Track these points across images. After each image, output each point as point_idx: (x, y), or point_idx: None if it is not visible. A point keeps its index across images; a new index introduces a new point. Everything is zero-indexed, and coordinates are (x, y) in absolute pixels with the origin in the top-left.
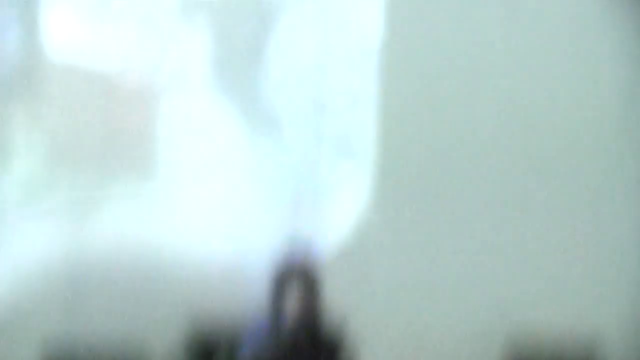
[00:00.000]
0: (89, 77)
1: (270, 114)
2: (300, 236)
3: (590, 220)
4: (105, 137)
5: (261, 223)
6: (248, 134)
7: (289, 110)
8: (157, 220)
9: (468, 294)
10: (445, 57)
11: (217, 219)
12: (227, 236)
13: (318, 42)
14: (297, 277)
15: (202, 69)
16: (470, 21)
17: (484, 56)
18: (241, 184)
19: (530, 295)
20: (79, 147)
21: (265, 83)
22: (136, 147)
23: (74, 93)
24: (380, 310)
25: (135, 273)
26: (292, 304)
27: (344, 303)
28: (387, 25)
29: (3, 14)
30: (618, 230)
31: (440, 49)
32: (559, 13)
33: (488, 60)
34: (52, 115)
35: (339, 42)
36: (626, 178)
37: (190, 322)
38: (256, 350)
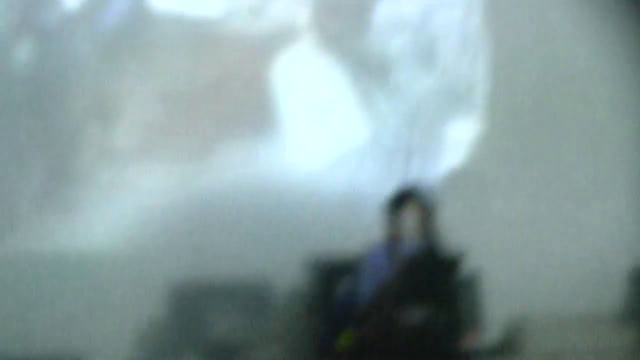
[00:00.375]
0: (197, 25)
1: (381, 60)
2: (414, 171)
3: None
4: (216, 82)
5: (376, 160)
6: (359, 80)
7: (398, 57)
8: (275, 159)
9: (584, 227)
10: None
11: (334, 157)
12: (344, 171)
13: None
14: (413, 201)
15: (309, 15)
16: None
17: None
18: (357, 123)
19: None
20: (192, 93)
21: (373, 31)
22: (247, 91)
23: (183, 41)
24: (497, 241)
25: (256, 210)
26: (409, 227)
27: (460, 232)
28: None
29: None
30: None
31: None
32: None
33: None
34: (163, 64)
35: None
36: None
37: (311, 253)
38: (376, 273)
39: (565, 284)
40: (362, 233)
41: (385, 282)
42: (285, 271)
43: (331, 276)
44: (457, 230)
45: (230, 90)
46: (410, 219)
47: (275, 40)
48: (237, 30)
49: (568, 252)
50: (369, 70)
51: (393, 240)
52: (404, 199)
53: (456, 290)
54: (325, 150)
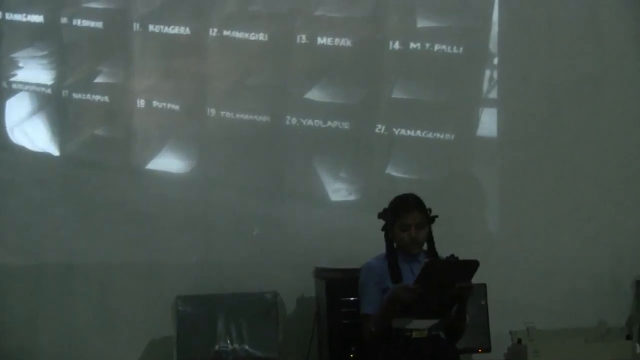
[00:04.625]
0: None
1: None
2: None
3: None
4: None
5: None
6: None
7: None
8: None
9: (594, 230)
10: None
11: None
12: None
13: None
14: (416, 209)
15: None
16: None
17: None
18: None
19: None
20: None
21: None
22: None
23: None
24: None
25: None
26: (412, 236)
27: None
28: None
29: None
30: None
31: None
32: None
33: None
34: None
35: None
36: None
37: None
38: (379, 282)
39: (568, 297)
40: (366, 244)
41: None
42: (293, 282)
43: (336, 287)
44: (458, 241)
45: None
46: (412, 227)
47: None
48: None
49: (571, 265)
50: None
51: (396, 250)
52: (406, 207)
53: (468, 297)
54: None
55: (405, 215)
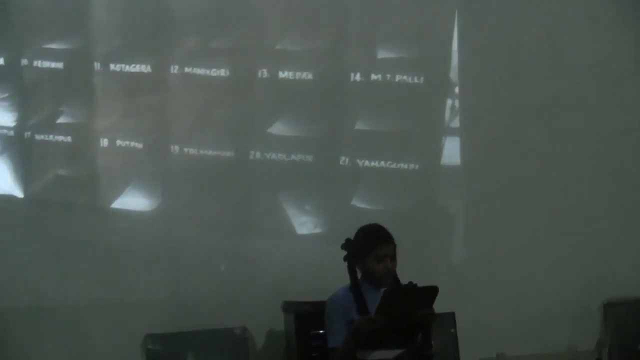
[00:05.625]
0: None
1: None
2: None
3: None
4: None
5: None
6: None
7: None
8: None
9: (563, 260)
10: None
11: None
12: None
13: None
14: (384, 241)
15: None
16: None
17: None
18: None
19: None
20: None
21: None
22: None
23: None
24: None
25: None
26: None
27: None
28: None
29: None
30: None
31: None
32: None
33: None
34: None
35: None
36: None
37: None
38: (345, 314)
39: (537, 323)
40: (334, 276)
41: (362, 318)
42: (262, 316)
43: (305, 320)
44: (425, 270)
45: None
46: (387, 258)
47: None
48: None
49: (539, 290)
50: None
51: (361, 280)
52: (382, 239)
53: (433, 322)
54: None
55: (382, 246)
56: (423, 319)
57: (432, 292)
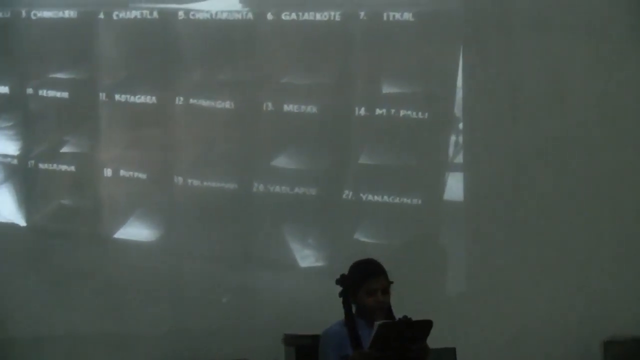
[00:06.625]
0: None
1: None
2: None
3: None
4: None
5: None
6: None
7: None
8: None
9: (561, 293)
10: None
11: None
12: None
13: None
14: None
15: None
16: None
17: None
18: None
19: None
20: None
21: None
22: None
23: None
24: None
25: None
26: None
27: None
28: None
29: None
30: None
31: None
32: None
33: None
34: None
35: None
36: None
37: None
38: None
39: (537, 359)
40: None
41: (356, 352)
42: (263, 349)
43: (305, 353)
44: (425, 305)
45: None
46: (379, 292)
47: None
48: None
49: (539, 327)
50: None
51: (356, 315)
52: (373, 272)
53: (426, 356)
54: None
55: (373, 280)
56: (417, 353)
57: (426, 326)
